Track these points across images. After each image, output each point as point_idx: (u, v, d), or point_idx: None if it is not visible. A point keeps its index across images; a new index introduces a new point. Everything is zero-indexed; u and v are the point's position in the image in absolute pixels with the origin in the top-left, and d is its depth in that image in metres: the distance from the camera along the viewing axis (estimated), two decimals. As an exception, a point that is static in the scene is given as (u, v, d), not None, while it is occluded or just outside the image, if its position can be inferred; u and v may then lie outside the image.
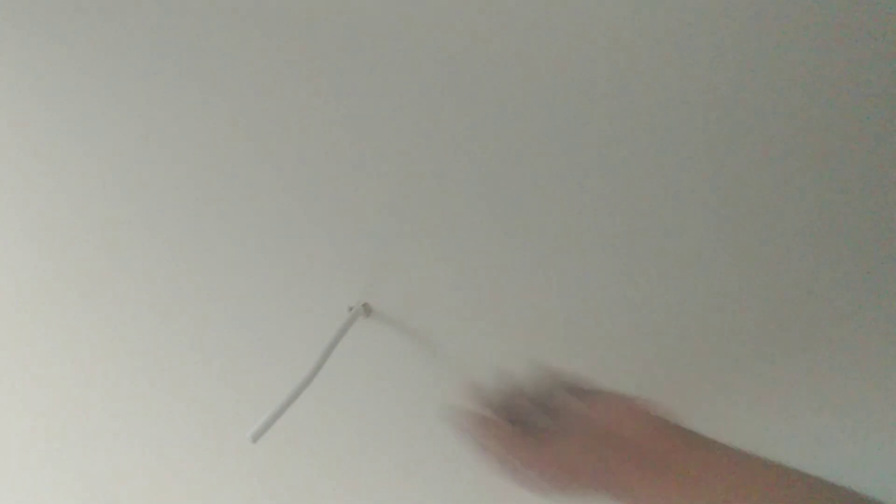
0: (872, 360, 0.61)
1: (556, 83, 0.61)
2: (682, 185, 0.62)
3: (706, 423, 0.63)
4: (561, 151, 0.62)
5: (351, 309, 0.60)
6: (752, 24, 0.59)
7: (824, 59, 0.60)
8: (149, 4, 0.61)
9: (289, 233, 0.63)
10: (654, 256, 0.62)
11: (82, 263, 0.63)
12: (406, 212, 0.63)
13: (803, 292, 0.62)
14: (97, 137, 0.63)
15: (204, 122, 0.62)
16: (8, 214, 0.62)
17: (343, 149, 0.63)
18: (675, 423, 0.39)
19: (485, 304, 0.63)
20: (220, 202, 0.62)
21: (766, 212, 0.62)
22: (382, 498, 0.63)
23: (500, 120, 0.62)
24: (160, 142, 0.63)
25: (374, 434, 0.64)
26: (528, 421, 0.40)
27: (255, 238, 0.63)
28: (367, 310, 0.60)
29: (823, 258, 0.61)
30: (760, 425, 0.63)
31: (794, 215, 0.62)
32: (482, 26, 0.61)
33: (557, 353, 0.63)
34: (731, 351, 0.63)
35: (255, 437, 0.50)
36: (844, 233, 0.61)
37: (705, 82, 0.60)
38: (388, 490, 0.64)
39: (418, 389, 0.60)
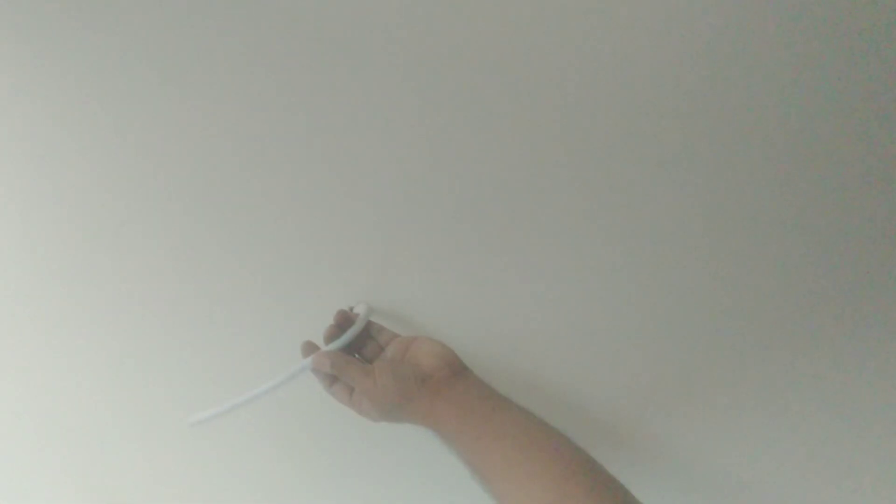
0: (872, 360, 0.62)
1: (557, 83, 0.62)
2: (682, 186, 0.62)
3: (707, 422, 0.63)
4: (561, 152, 0.62)
5: (352, 309, 0.59)
6: (753, 25, 0.60)
7: (824, 59, 0.60)
8: (149, 5, 0.62)
9: (289, 232, 0.63)
10: (654, 257, 0.62)
11: (79, 263, 0.63)
12: (406, 212, 0.63)
13: (803, 292, 0.62)
14: (97, 137, 0.63)
15: (204, 122, 0.62)
16: (8, 214, 0.62)
17: (343, 149, 0.63)
18: (461, 364, 0.50)
19: (485, 304, 0.63)
20: (220, 202, 0.62)
21: (767, 212, 0.62)
22: (381, 498, 0.63)
23: (499, 121, 0.62)
24: (160, 141, 0.63)
25: (372, 434, 0.64)
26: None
27: (255, 238, 0.63)
28: (369, 310, 0.60)
29: (823, 258, 0.62)
30: (761, 425, 0.63)
31: (794, 215, 0.62)
32: (485, 25, 0.61)
33: (558, 353, 0.63)
34: (731, 351, 0.63)
35: (192, 425, 0.52)
36: (844, 233, 0.61)
37: (705, 83, 0.61)
38: (387, 490, 0.64)
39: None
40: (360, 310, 0.57)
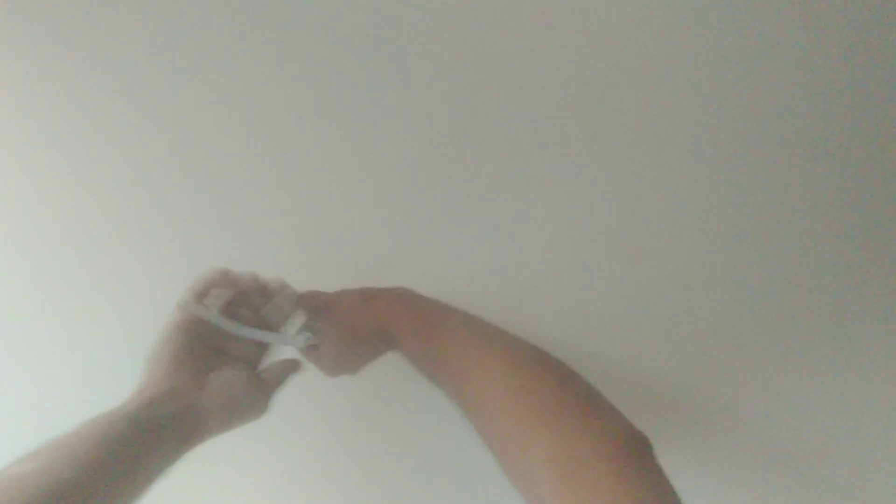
0: (872, 359, 0.62)
1: (561, 81, 0.61)
2: (685, 187, 0.62)
3: (709, 421, 0.63)
4: (565, 150, 0.62)
5: None
6: (754, 26, 0.60)
7: (825, 60, 0.60)
8: (148, 5, 0.61)
9: (289, 232, 0.63)
10: (657, 258, 0.62)
11: (81, 264, 0.62)
12: (406, 211, 0.63)
13: (804, 292, 0.62)
14: (96, 137, 0.63)
15: (203, 122, 0.62)
16: (7, 214, 0.62)
17: (343, 149, 0.63)
18: (400, 292, 0.51)
19: (485, 302, 0.63)
20: (220, 202, 0.62)
21: (768, 213, 0.62)
22: (384, 493, 0.63)
23: (499, 121, 0.62)
24: (159, 141, 0.63)
25: (372, 430, 0.63)
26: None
27: (255, 238, 0.63)
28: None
29: (824, 258, 0.62)
30: (761, 424, 0.63)
31: (796, 216, 0.62)
32: (489, 22, 0.61)
33: (562, 351, 0.62)
34: (733, 351, 0.63)
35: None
36: (844, 233, 0.61)
37: (709, 83, 0.61)
38: (391, 487, 0.64)
39: (418, 386, 0.60)
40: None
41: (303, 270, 0.61)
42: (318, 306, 0.53)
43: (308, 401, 0.60)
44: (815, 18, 0.59)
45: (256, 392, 0.49)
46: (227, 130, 0.62)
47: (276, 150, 0.62)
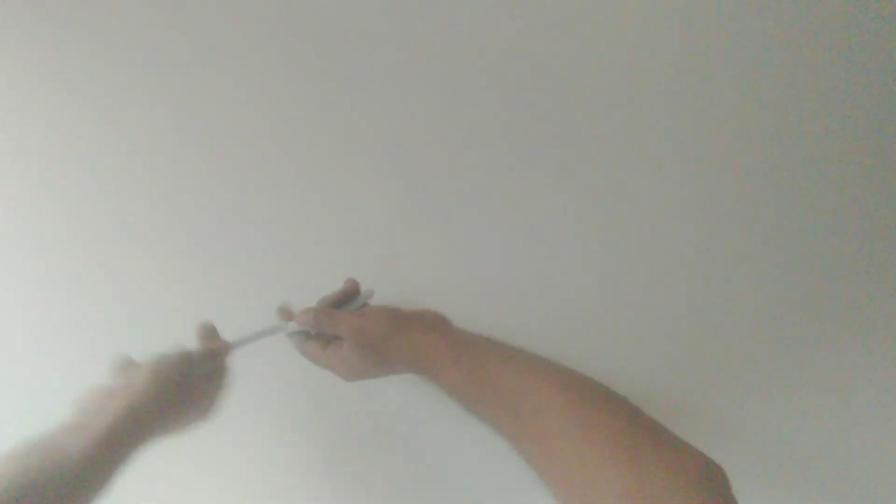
0: (873, 360, 0.62)
1: (561, 81, 0.62)
2: (686, 186, 0.62)
3: (710, 420, 0.63)
4: (565, 151, 0.62)
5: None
6: (756, 26, 0.60)
7: (825, 60, 0.61)
8: (146, 6, 0.62)
9: (288, 231, 0.63)
10: (658, 258, 0.62)
11: (83, 265, 0.62)
12: (406, 209, 0.63)
13: (804, 293, 0.62)
14: (98, 137, 0.63)
15: (203, 124, 0.62)
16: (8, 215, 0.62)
17: (343, 150, 0.63)
18: (423, 319, 0.50)
19: (485, 300, 0.63)
20: (219, 201, 0.62)
21: (769, 213, 0.62)
22: (388, 491, 0.63)
23: (499, 121, 0.62)
24: (158, 141, 0.63)
25: (373, 428, 0.63)
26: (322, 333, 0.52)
27: (254, 236, 0.63)
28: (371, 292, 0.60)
29: (823, 258, 0.62)
30: (762, 424, 0.63)
31: (796, 217, 0.62)
32: (491, 23, 0.61)
33: (564, 350, 0.63)
34: (734, 351, 0.63)
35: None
36: (845, 234, 0.62)
37: (709, 83, 0.61)
38: (394, 485, 0.64)
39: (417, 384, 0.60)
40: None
41: (303, 270, 0.61)
42: (341, 330, 0.51)
43: (308, 399, 0.60)
44: (816, 18, 0.59)
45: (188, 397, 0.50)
46: (226, 132, 0.62)
47: (276, 151, 0.62)
